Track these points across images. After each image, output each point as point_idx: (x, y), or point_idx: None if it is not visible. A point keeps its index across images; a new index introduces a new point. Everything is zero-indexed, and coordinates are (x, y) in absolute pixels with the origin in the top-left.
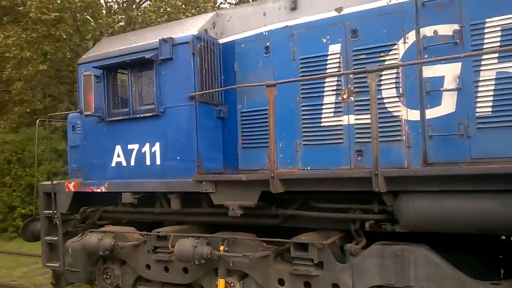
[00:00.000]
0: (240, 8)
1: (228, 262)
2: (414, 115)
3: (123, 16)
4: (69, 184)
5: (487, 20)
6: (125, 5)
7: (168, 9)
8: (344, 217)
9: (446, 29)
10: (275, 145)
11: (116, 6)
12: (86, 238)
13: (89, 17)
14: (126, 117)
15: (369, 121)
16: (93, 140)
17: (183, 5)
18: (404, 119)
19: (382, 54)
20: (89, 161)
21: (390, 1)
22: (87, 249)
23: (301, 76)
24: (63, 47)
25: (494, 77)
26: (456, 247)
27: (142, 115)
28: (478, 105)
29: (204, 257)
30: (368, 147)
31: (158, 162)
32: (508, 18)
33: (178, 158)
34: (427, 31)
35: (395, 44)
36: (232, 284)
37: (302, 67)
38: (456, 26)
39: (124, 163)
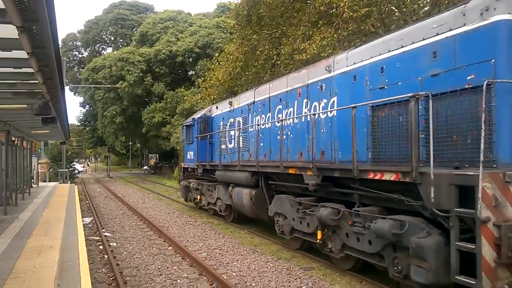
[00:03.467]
0: (220, 103)
1: (204, 186)
2: (231, 145)
3: (428, 0)
4: (182, 163)
5: (237, 118)
6: None
7: None
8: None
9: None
10: (220, 153)
11: None
12: (182, 182)
13: (393, 8)
14: (187, 142)
15: (231, 146)
16: (186, 149)
17: None
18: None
19: (234, 126)
20: (184, 156)
21: (237, 106)
22: (182, 186)
23: (221, 132)
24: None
25: (241, 135)
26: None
27: (190, 142)
28: (241, 143)
29: (195, 187)
30: (232, 156)
31: (193, 158)
32: (239, 118)
33: (195, 157)
34: (234, 119)
35: (230, 125)
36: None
37: (221, 128)
38: (233, 119)
39: (189, 158)
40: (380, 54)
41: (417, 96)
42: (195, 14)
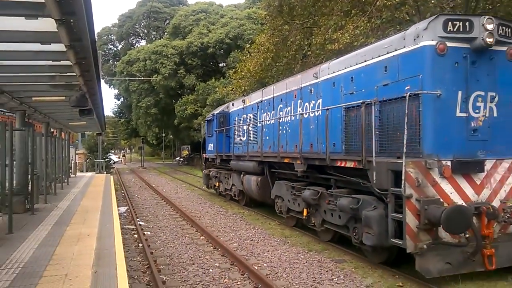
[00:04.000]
0: (236, 100)
1: (221, 174)
2: (244, 138)
3: None
4: (203, 154)
5: (249, 114)
6: None
7: None
8: (228, 167)
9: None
10: (234, 145)
11: None
12: (204, 171)
13: None
14: (208, 135)
15: (243, 139)
16: (207, 141)
17: None
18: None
19: (246, 121)
20: (206, 147)
21: (249, 103)
22: (204, 175)
23: (235, 126)
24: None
25: (251, 129)
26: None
27: (210, 135)
28: (251, 137)
29: (214, 175)
30: (243, 148)
31: (213, 149)
32: (250, 114)
33: (214, 148)
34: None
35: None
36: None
37: (236, 123)
38: (245, 115)
39: (209, 149)
40: (351, 66)
41: (365, 103)
42: (226, 6)
